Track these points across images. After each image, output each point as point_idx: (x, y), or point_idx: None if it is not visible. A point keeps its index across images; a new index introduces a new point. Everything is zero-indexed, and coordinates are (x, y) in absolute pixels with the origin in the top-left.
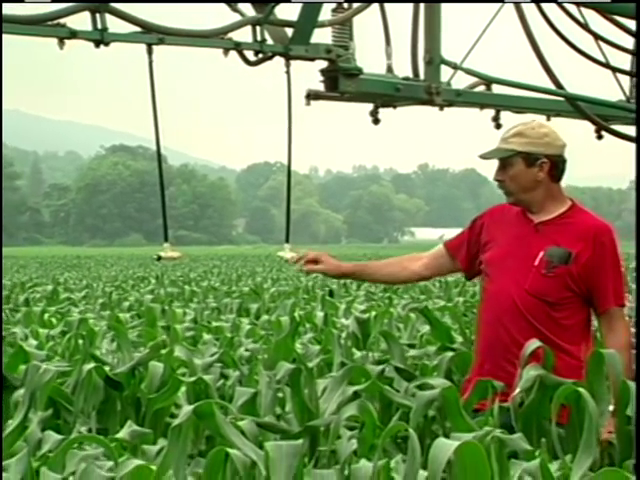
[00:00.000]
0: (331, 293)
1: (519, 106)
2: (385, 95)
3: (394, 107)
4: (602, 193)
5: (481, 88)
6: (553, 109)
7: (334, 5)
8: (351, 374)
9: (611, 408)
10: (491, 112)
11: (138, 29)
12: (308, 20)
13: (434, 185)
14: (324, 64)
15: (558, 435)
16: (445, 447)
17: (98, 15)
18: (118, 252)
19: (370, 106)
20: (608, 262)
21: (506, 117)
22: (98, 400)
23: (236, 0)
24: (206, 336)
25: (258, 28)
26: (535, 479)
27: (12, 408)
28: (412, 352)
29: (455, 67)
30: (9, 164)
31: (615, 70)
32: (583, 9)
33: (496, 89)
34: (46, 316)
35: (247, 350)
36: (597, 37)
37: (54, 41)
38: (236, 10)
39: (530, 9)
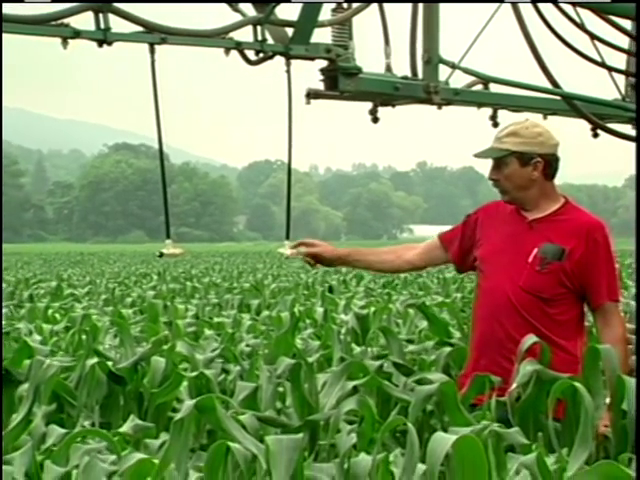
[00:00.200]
0: (331, 289)
1: (516, 105)
2: (384, 94)
3: (393, 106)
4: (598, 191)
5: (479, 87)
6: (550, 108)
7: (334, 5)
8: (350, 369)
9: (607, 401)
10: (488, 111)
11: (141, 29)
12: (308, 20)
13: (432, 183)
14: (324, 63)
15: (554, 429)
16: (443, 441)
17: (101, 15)
18: (121, 249)
19: (369, 105)
20: (601, 258)
21: (503, 116)
22: (101, 395)
23: (237, 0)
24: (207, 331)
25: (259, 28)
26: (532, 472)
27: (16, 402)
28: (410, 347)
29: (453, 66)
30: (13, 162)
31: (611, 69)
32: (579, 9)
33: (493, 88)
34: (50, 312)
35: (248, 345)
36: (593, 37)
37: (58, 41)
38: (237, 10)
39: (527, 9)
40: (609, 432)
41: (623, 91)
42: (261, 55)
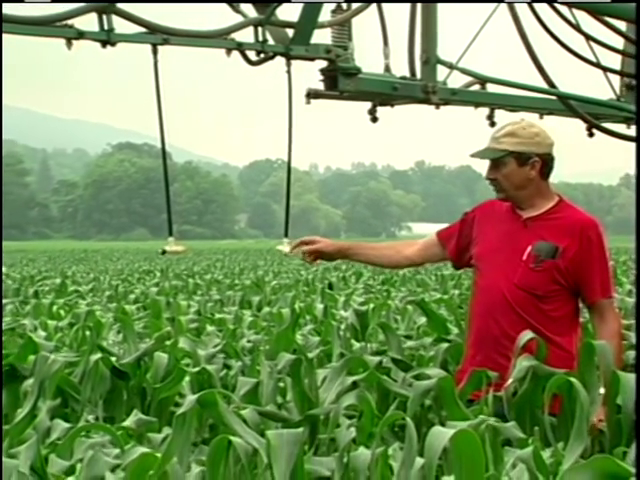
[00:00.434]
0: (330, 286)
1: (513, 105)
2: (383, 94)
3: (392, 106)
4: (593, 189)
5: (476, 87)
6: (546, 107)
7: (333, 7)
8: (350, 364)
9: (602, 391)
10: (485, 110)
11: (143, 30)
12: (308, 21)
13: (430, 181)
14: (324, 64)
15: (550, 424)
16: (441, 435)
17: (105, 16)
18: (124, 246)
19: (368, 104)
20: (595, 256)
21: (500, 115)
22: (105, 389)
23: (238, 0)
24: (209, 328)
25: (260, 29)
26: (528, 466)
27: (22, 397)
28: (409, 343)
29: (451, 67)
30: (19, 161)
31: (606, 70)
32: (574, 10)
33: (490, 88)
34: (55, 308)
35: (249, 341)
36: (588, 38)
37: (62, 42)
38: (238, 11)
39: (523, 11)
40: (604, 426)
41: (618, 91)
42: (262, 55)
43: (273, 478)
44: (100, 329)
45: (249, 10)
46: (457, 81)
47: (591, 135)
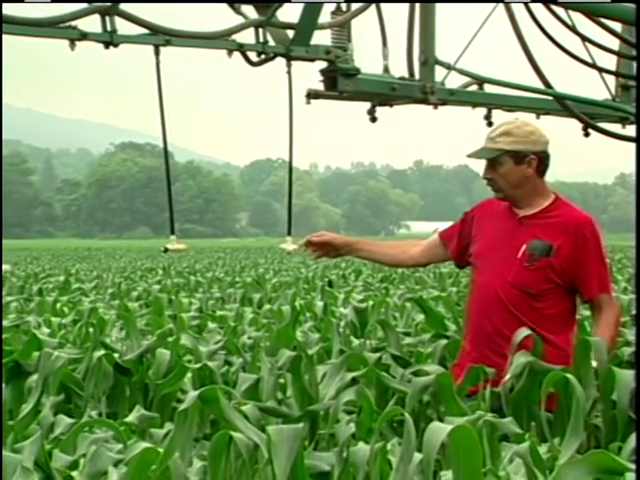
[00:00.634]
0: (330, 283)
1: (510, 105)
2: (382, 94)
3: (390, 106)
4: (589, 188)
5: (473, 87)
6: (542, 108)
7: (333, 8)
8: (349, 361)
9: (594, 364)
10: (483, 111)
11: (146, 31)
12: (308, 22)
13: (429, 180)
14: (324, 64)
15: (547, 419)
16: (439, 430)
17: (108, 17)
18: (127, 244)
19: (368, 105)
20: (590, 254)
21: (497, 115)
22: (108, 386)
23: (239, 1)
24: (211, 324)
25: (260, 30)
26: (525, 461)
27: (26, 393)
28: (407, 340)
29: (449, 67)
30: (23, 160)
31: (601, 70)
32: (570, 12)
33: (488, 88)
34: (58, 305)
35: (250, 338)
36: (584, 39)
37: (66, 42)
38: (239, 13)
39: (520, 13)
40: (600, 422)
41: (613, 91)
42: (263, 56)
43: (274, 473)
44: (103, 326)
45: (250, 12)
46: (455, 81)
47: (587, 135)
